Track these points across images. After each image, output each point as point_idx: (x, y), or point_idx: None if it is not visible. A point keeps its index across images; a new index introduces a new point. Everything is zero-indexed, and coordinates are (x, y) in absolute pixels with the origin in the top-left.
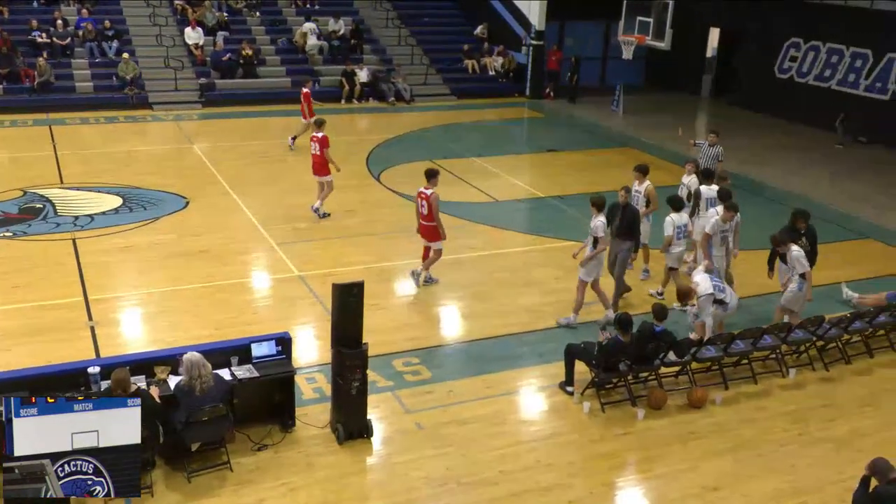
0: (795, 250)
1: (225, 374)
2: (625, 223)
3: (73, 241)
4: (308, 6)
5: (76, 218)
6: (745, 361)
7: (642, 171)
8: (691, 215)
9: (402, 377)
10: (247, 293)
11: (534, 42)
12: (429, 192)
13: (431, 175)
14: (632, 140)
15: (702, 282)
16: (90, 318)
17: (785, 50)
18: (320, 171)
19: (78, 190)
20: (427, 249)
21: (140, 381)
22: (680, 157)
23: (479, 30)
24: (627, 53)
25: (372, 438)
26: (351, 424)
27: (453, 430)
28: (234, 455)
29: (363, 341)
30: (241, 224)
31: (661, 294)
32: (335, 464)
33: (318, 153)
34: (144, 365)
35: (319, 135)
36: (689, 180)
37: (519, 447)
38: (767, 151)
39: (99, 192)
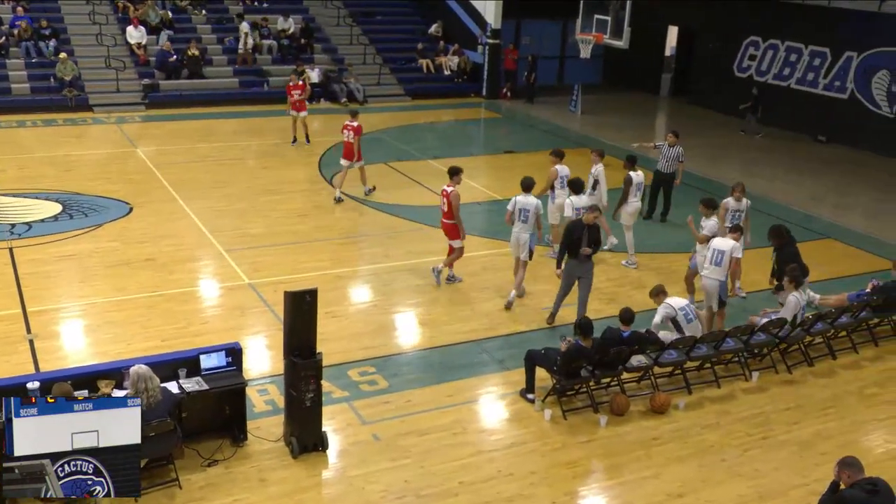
0: (793, 297)
1: (173, 387)
2: (590, 243)
3: (10, 250)
4: (255, 4)
5: (13, 226)
6: (708, 365)
7: (558, 156)
8: (620, 202)
9: (357, 387)
10: (195, 302)
11: (490, 41)
12: (450, 189)
13: (454, 172)
14: (590, 141)
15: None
16: (28, 331)
17: (744, 48)
18: (351, 157)
19: (14, 196)
20: (451, 248)
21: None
22: (640, 157)
23: (433, 28)
24: (585, 52)
25: (327, 451)
26: (305, 437)
27: (412, 441)
28: (183, 471)
29: (317, 351)
30: (188, 230)
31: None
32: (289, 478)
33: (352, 140)
34: (87, 379)
35: (354, 123)
36: (596, 169)
37: (479, 457)
38: (727, 151)
39: (37, 198)
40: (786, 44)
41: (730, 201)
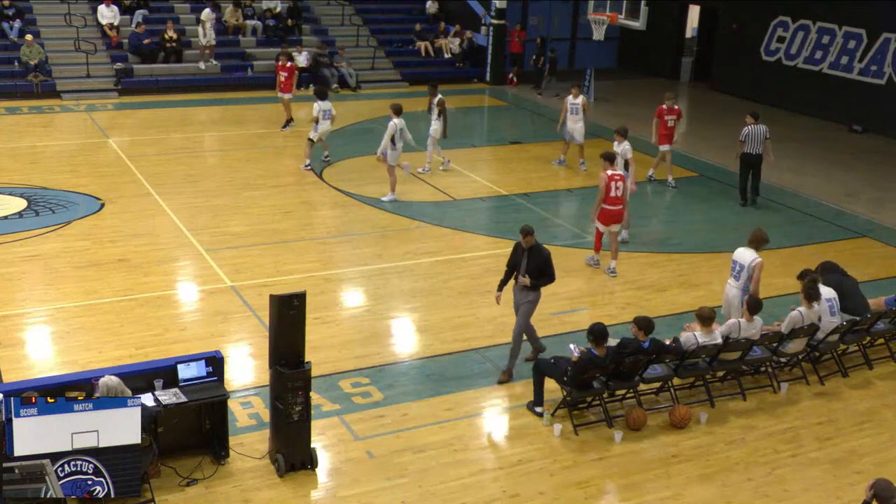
0: (795, 313)
1: (148, 399)
2: (531, 271)
3: None
4: None
5: None
6: (732, 376)
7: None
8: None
9: (349, 400)
10: (172, 307)
11: (495, 21)
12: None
13: (613, 158)
14: (604, 130)
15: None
16: None
17: (772, 30)
18: (668, 140)
19: None
20: (602, 236)
21: None
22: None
23: (429, 5)
24: (598, 34)
25: (317, 470)
26: (293, 454)
27: (408, 459)
28: (160, 491)
29: (305, 360)
30: (164, 228)
31: (309, 167)
32: (275, 499)
33: (673, 125)
34: (54, 390)
35: (676, 107)
36: (398, 121)
37: (482, 476)
38: None
39: (0, 193)
40: (818, 25)
41: (441, 96)
